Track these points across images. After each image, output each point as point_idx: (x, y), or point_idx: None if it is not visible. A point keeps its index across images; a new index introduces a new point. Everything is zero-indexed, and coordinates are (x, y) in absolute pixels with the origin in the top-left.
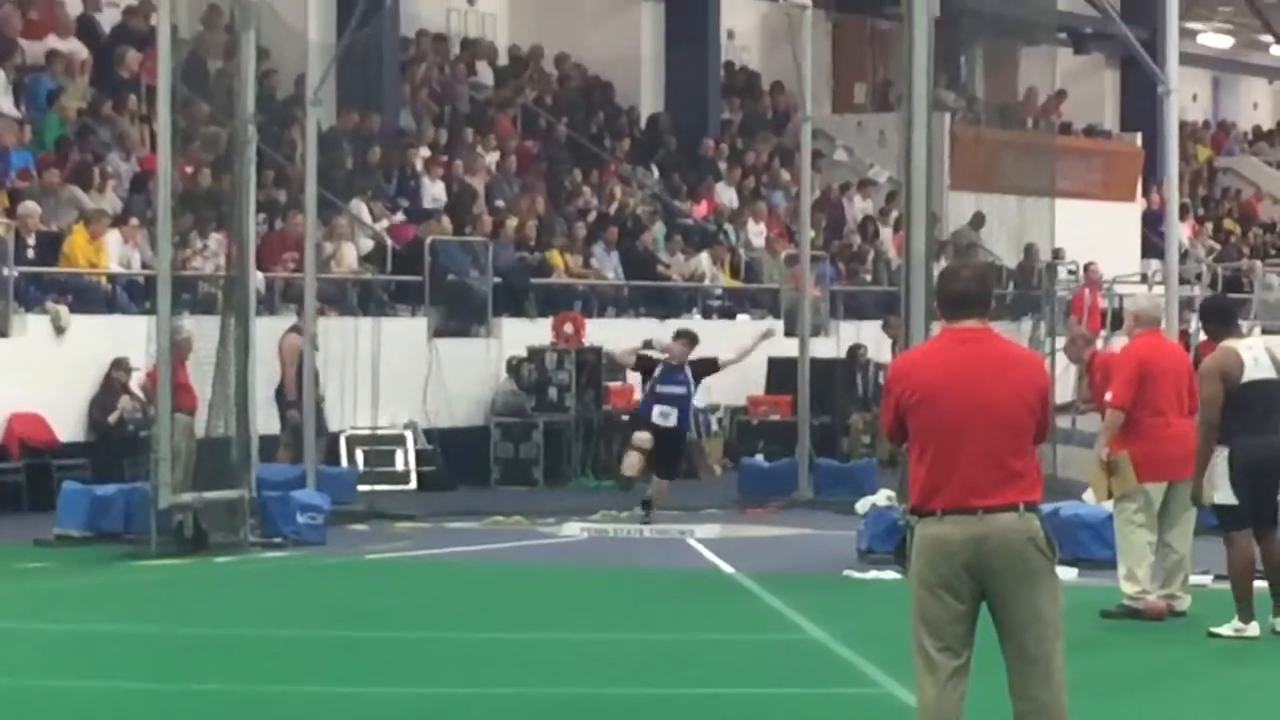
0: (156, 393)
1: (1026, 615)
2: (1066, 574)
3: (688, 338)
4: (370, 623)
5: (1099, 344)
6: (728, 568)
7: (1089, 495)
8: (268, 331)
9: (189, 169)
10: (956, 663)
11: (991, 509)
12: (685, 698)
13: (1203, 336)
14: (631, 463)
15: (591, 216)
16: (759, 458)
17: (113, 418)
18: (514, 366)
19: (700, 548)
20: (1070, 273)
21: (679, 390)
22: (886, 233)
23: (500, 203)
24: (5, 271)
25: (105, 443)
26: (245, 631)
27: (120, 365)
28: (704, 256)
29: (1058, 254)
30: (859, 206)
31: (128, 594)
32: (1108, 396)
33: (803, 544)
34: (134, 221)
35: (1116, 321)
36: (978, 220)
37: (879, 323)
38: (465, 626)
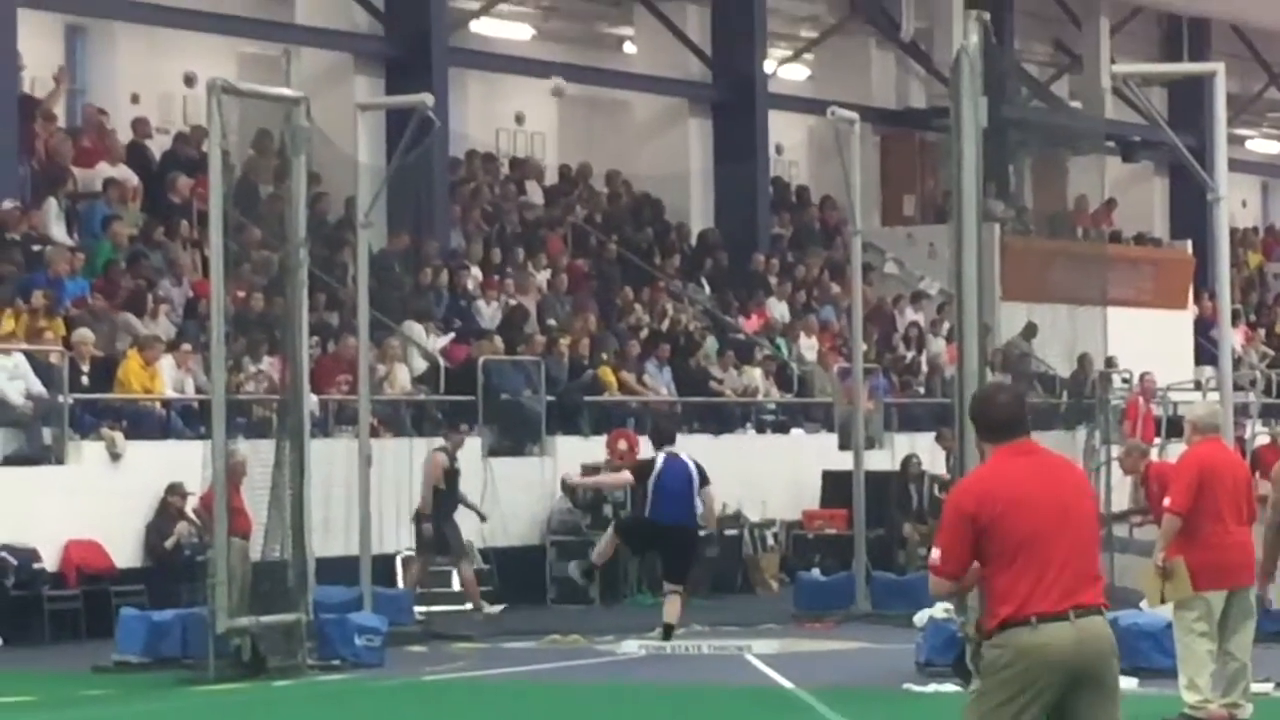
0: (212, 517)
1: (1104, 717)
2: (1127, 683)
3: None
4: None
5: (1154, 454)
6: (786, 683)
7: (1145, 602)
8: (323, 454)
9: (241, 293)
10: None
11: (1082, 611)
12: None
13: (1259, 442)
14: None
15: (643, 333)
16: (815, 571)
17: (169, 543)
18: (569, 485)
19: (758, 663)
20: (1124, 381)
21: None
22: (939, 344)
23: (552, 321)
24: (60, 399)
25: (162, 568)
26: None
27: (175, 490)
28: (756, 371)
29: (1110, 362)
30: (910, 318)
31: None
32: (1166, 502)
33: (861, 657)
34: (187, 347)
35: (1172, 429)
36: (1030, 330)
37: (933, 434)
38: None
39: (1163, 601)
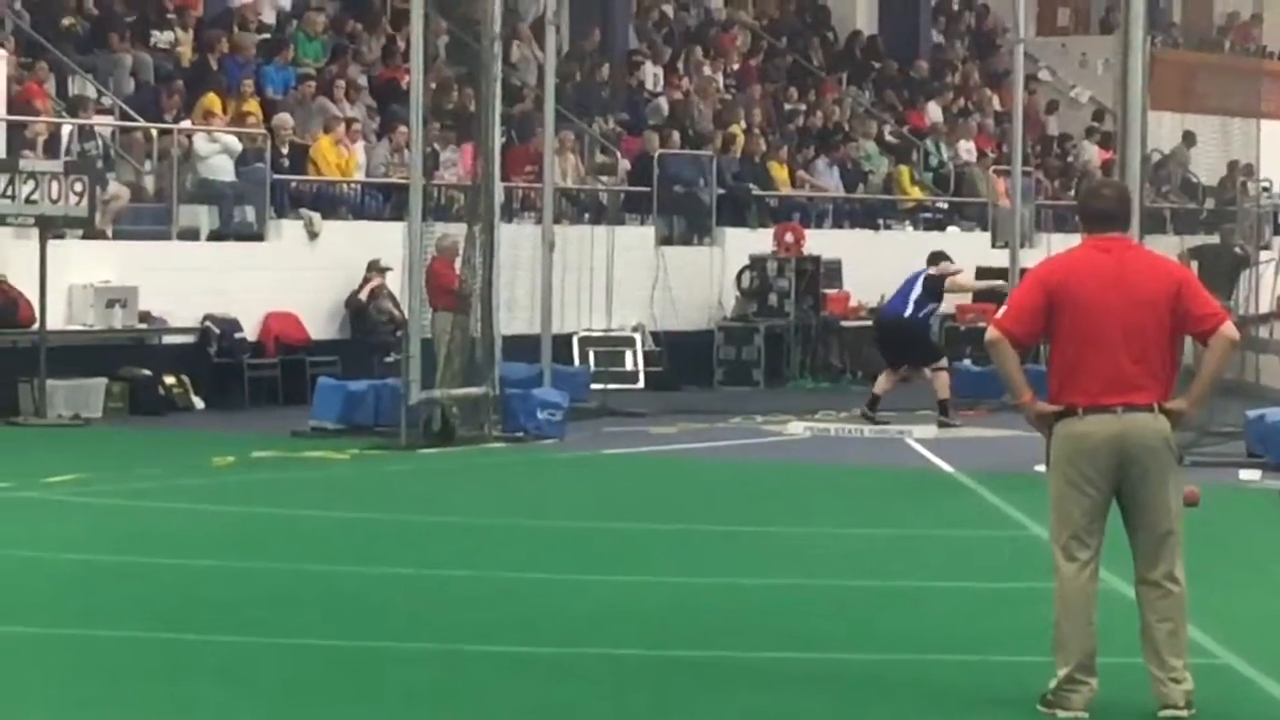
0: (429, 293)
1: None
2: (1249, 474)
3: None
4: (611, 514)
5: None
6: (947, 466)
7: None
8: (507, 238)
9: (434, 84)
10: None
11: (1130, 408)
12: (912, 589)
13: None
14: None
15: (811, 133)
16: (967, 362)
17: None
18: (738, 274)
19: (919, 447)
20: (1265, 189)
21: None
22: (1090, 149)
23: (726, 118)
24: (263, 172)
25: (357, 340)
26: (495, 521)
27: (374, 266)
28: (905, 170)
29: (1249, 170)
30: (1061, 124)
31: (380, 484)
32: None
33: (1016, 444)
34: (377, 132)
35: None
36: (1189, 139)
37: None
38: (693, 519)
39: None
